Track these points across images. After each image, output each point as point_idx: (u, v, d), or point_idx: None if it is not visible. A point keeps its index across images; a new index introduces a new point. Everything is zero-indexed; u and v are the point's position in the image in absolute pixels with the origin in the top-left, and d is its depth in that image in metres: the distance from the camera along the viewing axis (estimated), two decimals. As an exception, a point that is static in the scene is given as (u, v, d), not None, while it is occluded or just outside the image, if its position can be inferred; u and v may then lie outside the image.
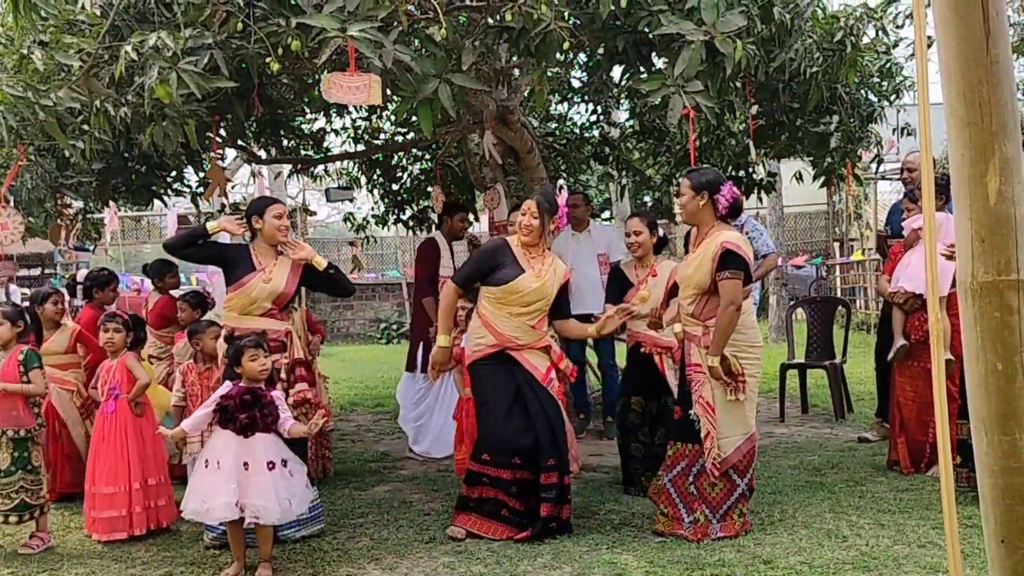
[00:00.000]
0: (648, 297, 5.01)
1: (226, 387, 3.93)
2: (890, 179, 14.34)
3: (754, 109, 5.75)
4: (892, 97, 6.13)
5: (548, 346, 4.46)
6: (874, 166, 7.72)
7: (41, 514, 4.40)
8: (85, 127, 4.47)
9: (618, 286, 5.17)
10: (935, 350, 1.97)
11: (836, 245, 18.53)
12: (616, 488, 5.11)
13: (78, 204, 6.91)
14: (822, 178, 6.62)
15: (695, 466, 4.19)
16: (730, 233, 4.21)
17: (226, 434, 3.84)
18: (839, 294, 15.66)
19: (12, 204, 5.60)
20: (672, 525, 4.21)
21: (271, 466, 3.81)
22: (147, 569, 4.07)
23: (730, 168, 7.21)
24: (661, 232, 5.24)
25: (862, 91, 5.99)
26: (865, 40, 5.56)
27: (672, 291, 5.02)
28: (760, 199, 9.14)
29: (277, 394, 3.97)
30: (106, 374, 4.71)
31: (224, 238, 4.79)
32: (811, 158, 6.50)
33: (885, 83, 6.07)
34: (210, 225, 4.50)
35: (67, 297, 5.77)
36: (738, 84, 5.55)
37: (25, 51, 4.08)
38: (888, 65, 5.95)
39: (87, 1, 4.11)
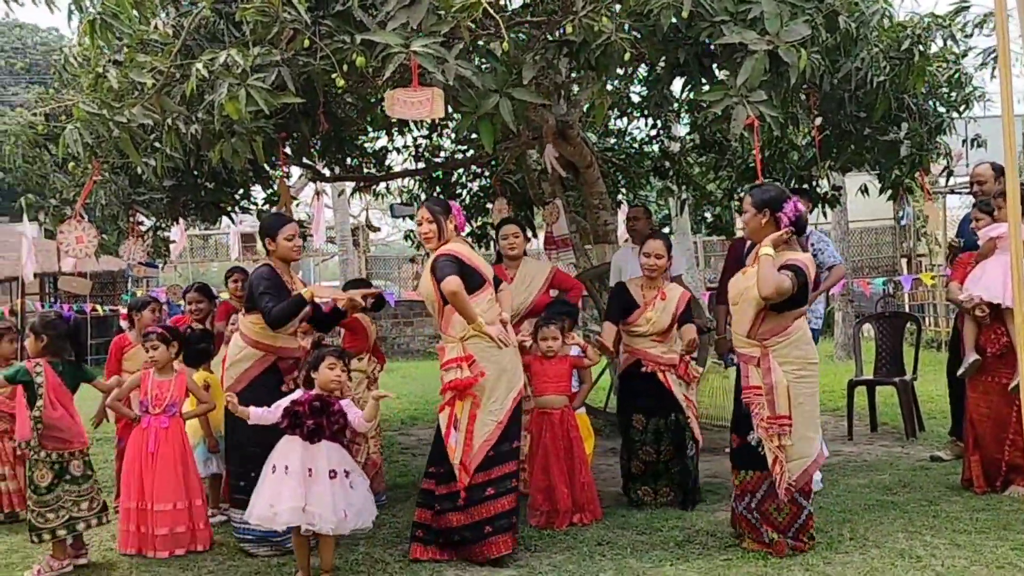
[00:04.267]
0: (653, 319, 5.01)
1: (298, 393, 4.00)
2: (959, 192, 13.95)
3: (818, 120, 5.66)
4: (961, 108, 5.97)
5: (438, 351, 4.43)
6: (943, 179, 7.52)
7: (49, 539, 4.30)
8: (157, 144, 4.60)
9: (618, 305, 5.15)
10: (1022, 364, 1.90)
11: (904, 261, 18.10)
12: (654, 503, 5.04)
13: (150, 221, 7.10)
14: (888, 191, 6.47)
15: (759, 492, 4.10)
16: (797, 254, 4.10)
17: (293, 439, 3.90)
18: (908, 311, 15.27)
19: (87, 220, 5.80)
20: (759, 546, 4.11)
21: (333, 475, 3.85)
22: (213, 577, 4.13)
23: (793, 182, 7.10)
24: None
25: (930, 102, 5.85)
26: (933, 49, 5.44)
27: (682, 316, 5.08)
28: (824, 214, 8.98)
29: (346, 403, 4.01)
30: (158, 389, 4.59)
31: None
32: (878, 170, 6.36)
33: (954, 93, 5.92)
34: (305, 294, 4.48)
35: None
36: (802, 95, 5.47)
37: (100, 69, 4.22)
38: (957, 75, 5.80)
39: (160, 21, 4.25)
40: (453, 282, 4.12)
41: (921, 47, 5.17)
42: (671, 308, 5.06)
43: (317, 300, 4.56)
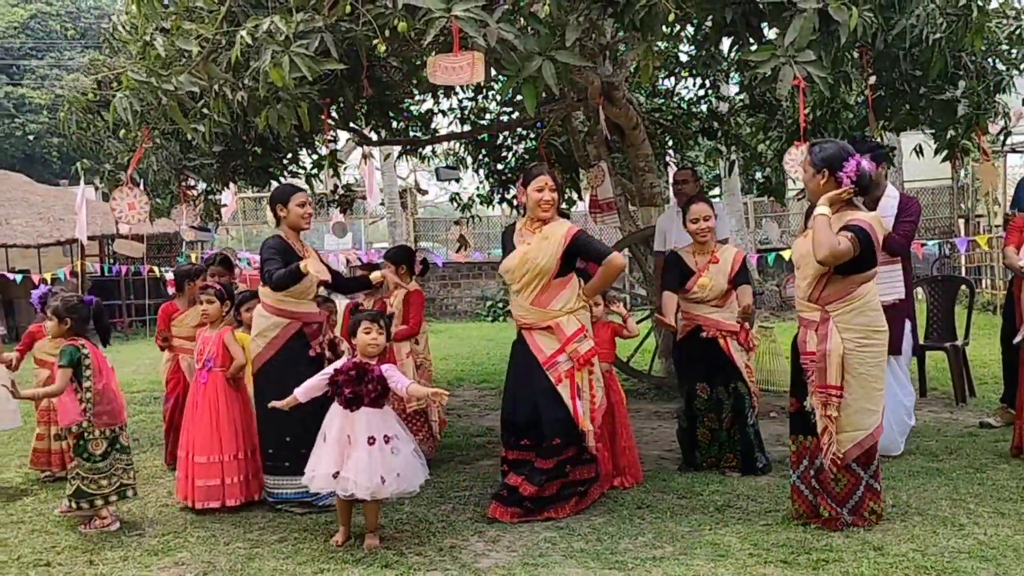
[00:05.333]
0: (709, 285, 4.94)
1: (341, 361, 4.08)
2: (1020, 151, 13.51)
3: (872, 79, 5.51)
4: (1022, 66, 5.77)
5: (553, 327, 4.33)
6: (1001, 138, 7.30)
7: (102, 505, 4.39)
8: (205, 111, 4.67)
9: (676, 273, 5.10)
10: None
11: (961, 222, 17.65)
12: (719, 469, 5.03)
13: (201, 186, 7.24)
14: (944, 152, 6.30)
15: (816, 460, 3.98)
16: (858, 214, 3.91)
17: (336, 408, 3.98)
18: (964, 273, 14.92)
19: (141, 187, 5.94)
20: (810, 519, 4.02)
21: (371, 441, 3.89)
22: (264, 534, 4.26)
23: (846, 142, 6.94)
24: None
25: (989, 59, 5.66)
26: (993, 4, 5.25)
27: (737, 277, 5.00)
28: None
29: (387, 367, 4.06)
30: (203, 344, 4.88)
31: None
32: (933, 130, 6.19)
33: (1015, 51, 5.71)
34: (302, 266, 4.53)
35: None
36: (854, 54, 5.33)
37: (148, 38, 4.28)
38: (1018, 31, 5.60)
39: (205, -12, 4.28)
40: (623, 257, 4.32)
41: (980, 2, 4.98)
42: (725, 270, 5.01)
43: (309, 272, 4.57)
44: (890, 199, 5.23)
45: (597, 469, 4.50)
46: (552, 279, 4.35)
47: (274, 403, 4.11)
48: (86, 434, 4.32)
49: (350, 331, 4.10)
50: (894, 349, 5.07)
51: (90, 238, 14.96)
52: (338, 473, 3.86)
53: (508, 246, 4.54)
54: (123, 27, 5.07)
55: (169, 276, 6.90)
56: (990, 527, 3.86)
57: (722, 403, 5.01)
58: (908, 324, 5.24)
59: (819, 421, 3.91)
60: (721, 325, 4.98)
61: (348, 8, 4.03)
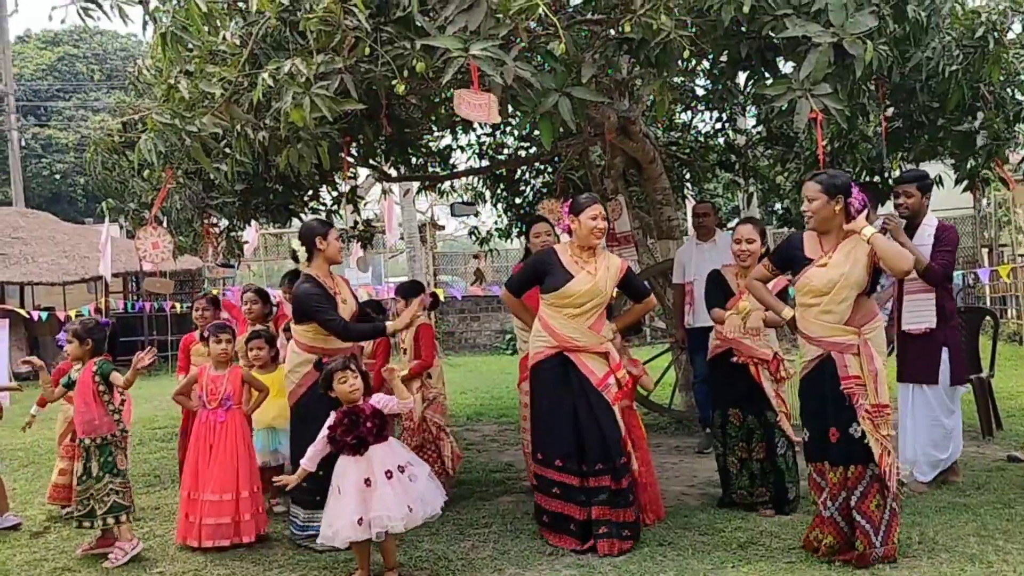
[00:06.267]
0: (747, 311, 4.80)
1: (330, 419, 4.04)
2: (1044, 180, 13.40)
3: (889, 111, 5.52)
4: (1042, 95, 5.76)
5: (607, 352, 4.44)
6: (1022, 167, 7.27)
7: (127, 519, 4.58)
8: (227, 151, 4.75)
9: (719, 292, 5.04)
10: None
11: (984, 252, 17.50)
12: (743, 505, 4.96)
13: (223, 223, 7.33)
14: (964, 182, 6.28)
15: (858, 488, 3.92)
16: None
17: (345, 459, 3.99)
18: (988, 303, 14.76)
19: (164, 225, 6.03)
20: (841, 553, 3.94)
21: (389, 475, 3.91)
22: (283, 572, 4.26)
23: (864, 173, 6.94)
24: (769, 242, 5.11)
25: (1008, 89, 5.66)
26: (1010, 36, 5.26)
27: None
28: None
29: (376, 398, 4.07)
30: (213, 383, 4.84)
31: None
32: (953, 160, 6.18)
33: (1034, 81, 5.71)
34: (389, 328, 4.78)
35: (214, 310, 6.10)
36: (871, 86, 5.34)
37: (172, 81, 4.37)
38: (1035, 61, 5.60)
39: (228, 32, 4.37)
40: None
41: (996, 34, 5.00)
42: None
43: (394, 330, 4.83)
44: (927, 227, 5.17)
45: None
46: (604, 307, 4.50)
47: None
48: (114, 447, 4.54)
49: (323, 386, 4.09)
50: (928, 378, 5.09)
51: (114, 275, 15.14)
52: (362, 519, 3.86)
53: (553, 271, 4.50)
54: (148, 70, 5.18)
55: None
56: (1019, 564, 3.79)
57: (753, 432, 4.92)
58: (946, 352, 5.16)
59: (875, 445, 3.86)
60: (754, 352, 4.85)
61: (367, 50, 4.10)
